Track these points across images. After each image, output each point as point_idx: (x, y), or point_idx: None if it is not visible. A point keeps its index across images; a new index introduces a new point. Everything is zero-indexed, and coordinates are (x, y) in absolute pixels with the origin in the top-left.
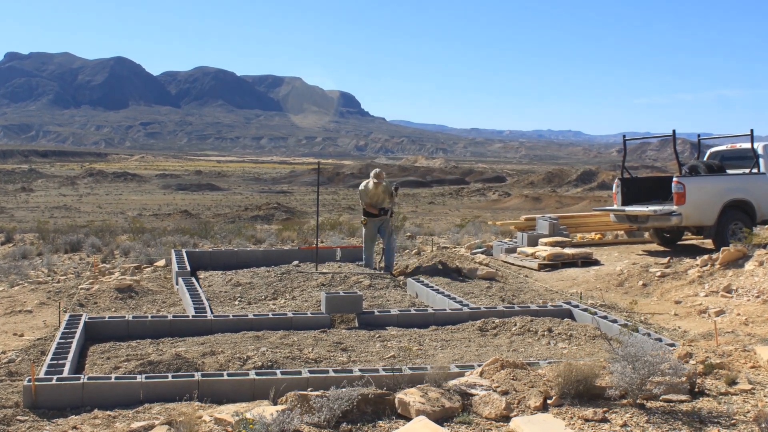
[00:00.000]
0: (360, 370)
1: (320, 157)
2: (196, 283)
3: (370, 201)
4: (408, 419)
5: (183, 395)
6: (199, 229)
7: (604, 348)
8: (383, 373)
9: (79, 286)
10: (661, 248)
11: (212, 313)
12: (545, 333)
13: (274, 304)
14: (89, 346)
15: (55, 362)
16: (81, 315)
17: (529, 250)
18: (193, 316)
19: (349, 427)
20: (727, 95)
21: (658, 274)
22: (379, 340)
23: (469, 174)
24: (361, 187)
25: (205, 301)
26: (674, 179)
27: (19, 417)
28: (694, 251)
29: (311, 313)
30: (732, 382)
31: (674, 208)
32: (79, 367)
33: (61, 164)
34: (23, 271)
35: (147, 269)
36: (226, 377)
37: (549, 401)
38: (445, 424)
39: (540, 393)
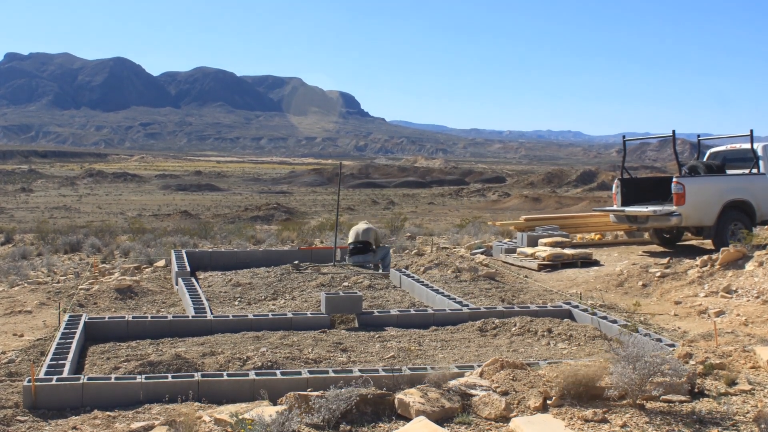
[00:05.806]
0: (360, 370)
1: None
2: (195, 283)
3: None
4: (408, 420)
5: (183, 395)
6: (198, 229)
7: (604, 348)
8: (383, 373)
9: (79, 287)
10: (661, 249)
11: (212, 313)
12: (545, 333)
13: (273, 305)
14: (89, 347)
15: (54, 363)
16: (81, 315)
17: (529, 250)
18: (192, 317)
19: (349, 427)
20: (726, 93)
21: (658, 274)
22: (379, 341)
23: (468, 174)
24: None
25: (204, 302)
26: (674, 180)
27: (18, 417)
28: (694, 252)
29: (311, 314)
30: (732, 383)
31: (674, 208)
32: (78, 367)
33: (61, 165)
34: (23, 271)
35: (147, 269)
36: (225, 378)
37: (549, 402)
38: (444, 424)
39: (540, 393)
